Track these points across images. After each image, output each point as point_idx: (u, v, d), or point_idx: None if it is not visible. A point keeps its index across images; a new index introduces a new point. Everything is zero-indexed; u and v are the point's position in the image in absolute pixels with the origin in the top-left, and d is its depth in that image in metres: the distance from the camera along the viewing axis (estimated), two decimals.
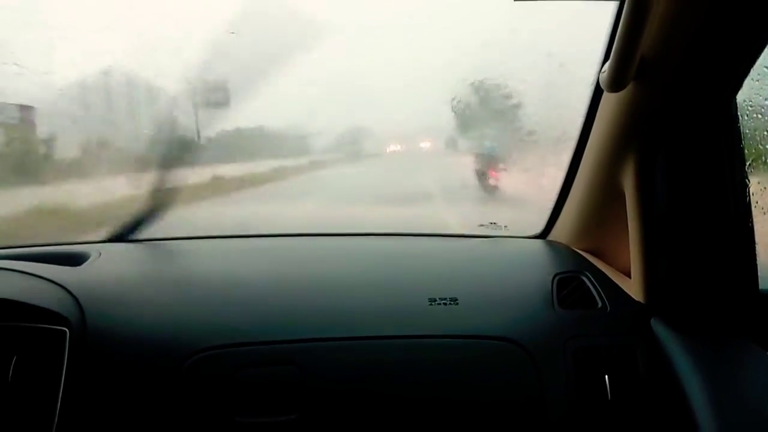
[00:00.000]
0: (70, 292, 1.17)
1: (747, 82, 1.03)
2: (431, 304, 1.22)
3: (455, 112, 1.97)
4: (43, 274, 1.21)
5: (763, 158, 1.15)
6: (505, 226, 1.68)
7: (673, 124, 1.09)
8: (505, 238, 1.64)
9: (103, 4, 1.79)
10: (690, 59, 0.98)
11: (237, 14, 1.69)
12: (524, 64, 1.78)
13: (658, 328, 1.15)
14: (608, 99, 1.16)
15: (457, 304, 1.22)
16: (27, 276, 1.21)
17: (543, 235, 1.59)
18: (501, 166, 2.33)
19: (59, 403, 1.02)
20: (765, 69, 1.06)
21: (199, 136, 1.96)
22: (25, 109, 2.02)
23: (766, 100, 1.13)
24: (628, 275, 1.26)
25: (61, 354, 1.06)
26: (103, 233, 1.59)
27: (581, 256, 1.43)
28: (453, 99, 1.92)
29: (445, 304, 1.22)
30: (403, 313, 1.21)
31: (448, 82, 1.86)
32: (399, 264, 1.43)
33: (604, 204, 1.32)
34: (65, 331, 1.08)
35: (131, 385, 1.09)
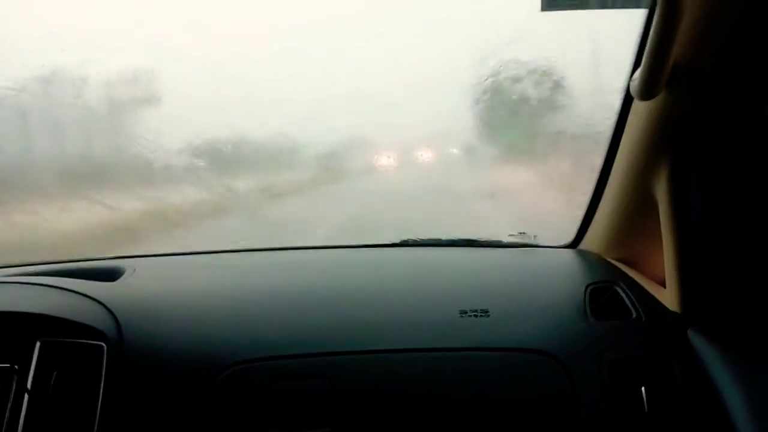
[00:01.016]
0: (107, 307, 1.19)
1: None
2: (462, 316, 1.21)
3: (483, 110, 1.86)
4: (80, 290, 1.24)
5: None
6: (535, 236, 1.66)
7: (706, 131, 1.07)
8: (536, 248, 1.63)
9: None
10: (723, 65, 0.96)
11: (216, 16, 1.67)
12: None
13: (695, 339, 1.13)
14: (639, 107, 1.15)
15: (489, 315, 1.22)
16: (64, 292, 1.24)
17: (574, 244, 1.58)
18: None
19: (98, 417, 1.04)
20: None
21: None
22: None
23: None
24: (663, 285, 1.24)
25: (99, 368, 1.08)
26: (137, 248, 1.62)
27: (614, 265, 1.41)
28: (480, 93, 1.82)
29: (476, 315, 1.21)
30: (434, 326, 1.21)
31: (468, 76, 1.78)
32: (429, 275, 1.43)
33: (637, 213, 1.30)
34: (103, 345, 1.10)
35: (167, 399, 1.11)
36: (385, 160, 2.11)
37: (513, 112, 1.92)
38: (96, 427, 1.04)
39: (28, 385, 1.03)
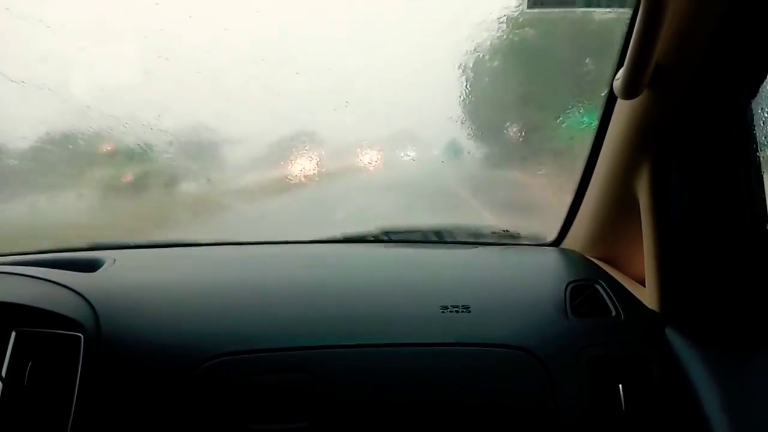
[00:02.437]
0: (85, 298, 1.18)
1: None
2: (443, 312, 1.22)
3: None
4: (58, 280, 1.23)
5: None
6: (518, 234, 1.67)
7: (687, 130, 1.08)
8: (518, 246, 1.64)
9: None
10: (705, 65, 0.97)
11: None
12: None
13: (673, 337, 1.14)
14: (622, 106, 1.16)
15: (470, 311, 1.22)
16: (42, 282, 1.22)
17: (556, 242, 1.59)
18: None
19: (73, 408, 1.03)
20: None
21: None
22: None
23: None
24: (643, 284, 1.25)
25: (75, 359, 1.07)
26: (116, 239, 1.60)
27: (595, 264, 1.42)
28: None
29: (457, 311, 1.22)
30: (416, 321, 1.21)
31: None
32: (411, 271, 1.43)
33: (618, 212, 1.31)
34: (80, 336, 1.09)
35: (144, 391, 1.10)
36: (378, 154, 2.05)
37: None
38: (71, 418, 1.02)
39: (2, 374, 1.02)
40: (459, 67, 1.68)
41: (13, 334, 1.06)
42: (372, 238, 1.69)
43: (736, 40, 0.93)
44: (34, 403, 1.03)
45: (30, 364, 1.04)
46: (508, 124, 1.92)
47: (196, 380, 1.10)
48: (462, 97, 1.73)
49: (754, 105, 1.08)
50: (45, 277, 1.24)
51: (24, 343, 1.06)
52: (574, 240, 1.52)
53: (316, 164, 1.91)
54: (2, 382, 1.02)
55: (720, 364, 1.07)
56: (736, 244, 1.10)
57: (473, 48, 1.63)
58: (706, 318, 1.13)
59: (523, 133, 1.90)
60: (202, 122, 1.92)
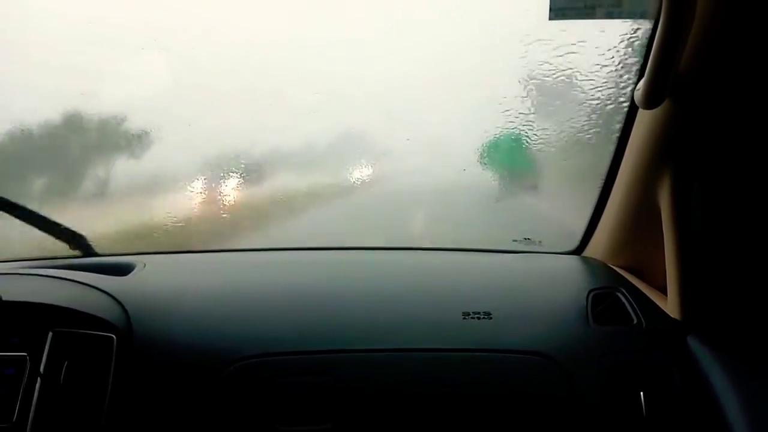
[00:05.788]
0: (117, 301, 1.22)
1: None
2: (465, 318, 1.23)
3: None
4: (92, 283, 1.27)
5: None
6: (540, 242, 1.68)
7: (709, 140, 1.08)
8: (539, 254, 1.64)
9: None
10: (725, 75, 0.98)
11: None
12: None
13: (695, 345, 1.14)
14: (643, 115, 1.17)
15: (491, 318, 1.23)
16: (77, 284, 1.27)
17: (578, 251, 1.59)
18: None
19: (107, 405, 1.07)
20: None
21: None
22: None
23: None
24: (664, 292, 1.25)
25: (108, 359, 1.11)
26: (147, 245, 1.64)
27: (616, 272, 1.42)
28: None
29: (478, 318, 1.23)
30: (437, 327, 1.22)
31: None
32: (434, 278, 1.45)
33: (640, 220, 1.31)
34: (112, 337, 1.13)
35: (174, 390, 1.13)
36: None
37: None
38: (105, 415, 1.06)
39: (41, 370, 1.06)
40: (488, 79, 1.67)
41: (50, 334, 1.11)
42: (396, 246, 1.71)
43: (756, 51, 0.94)
44: (70, 400, 1.07)
45: (66, 363, 1.08)
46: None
47: (223, 381, 1.13)
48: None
49: None
50: (80, 280, 1.28)
51: (60, 343, 1.10)
52: (596, 248, 1.52)
53: (340, 175, 1.92)
54: (41, 379, 1.06)
55: (741, 373, 1.07)
56: (758, 253, 1.10)
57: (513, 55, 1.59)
58: (727, 327, 1.13)
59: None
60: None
